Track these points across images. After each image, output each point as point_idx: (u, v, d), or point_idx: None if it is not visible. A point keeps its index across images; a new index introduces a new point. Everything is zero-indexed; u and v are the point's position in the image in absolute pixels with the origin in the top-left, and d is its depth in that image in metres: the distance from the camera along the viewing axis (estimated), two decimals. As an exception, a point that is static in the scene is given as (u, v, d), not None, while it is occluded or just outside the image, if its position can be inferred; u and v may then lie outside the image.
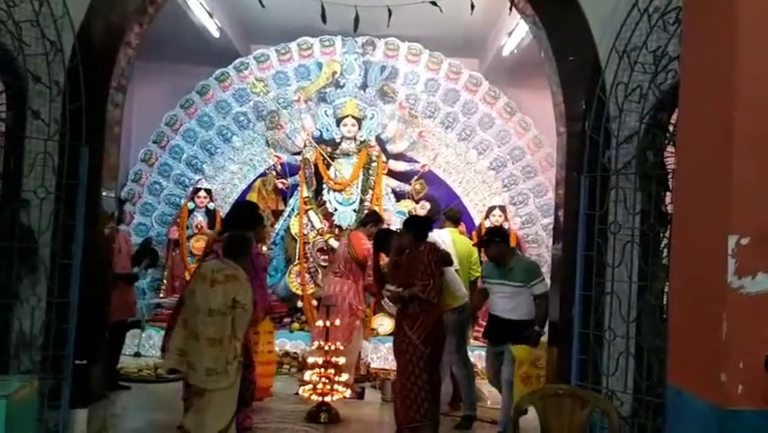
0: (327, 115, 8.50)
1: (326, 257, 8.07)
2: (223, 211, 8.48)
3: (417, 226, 5.37)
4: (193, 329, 4.23)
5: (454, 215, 7.07)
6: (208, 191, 8.47)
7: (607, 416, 3.35)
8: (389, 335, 7.69)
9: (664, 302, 4.31)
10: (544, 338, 5.14)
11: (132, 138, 8.92)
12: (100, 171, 4.97)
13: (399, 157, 8.53)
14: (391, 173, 8.47)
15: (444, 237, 6.44)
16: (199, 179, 8.61)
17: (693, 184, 3.06)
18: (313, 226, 8.27)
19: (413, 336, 5.00)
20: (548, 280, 5.48)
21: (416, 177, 8.44)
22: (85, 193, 4.61)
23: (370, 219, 6.96)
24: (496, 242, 5.45)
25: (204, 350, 4.17)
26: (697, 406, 2.81)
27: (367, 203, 8.28)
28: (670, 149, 4.34)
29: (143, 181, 8.73)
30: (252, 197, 8.39)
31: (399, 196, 8.49)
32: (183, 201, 8.58)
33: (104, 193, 5.04)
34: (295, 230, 8.30)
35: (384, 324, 7.89)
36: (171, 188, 8.73)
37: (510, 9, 5.20)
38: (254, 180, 8.64)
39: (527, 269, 5.37)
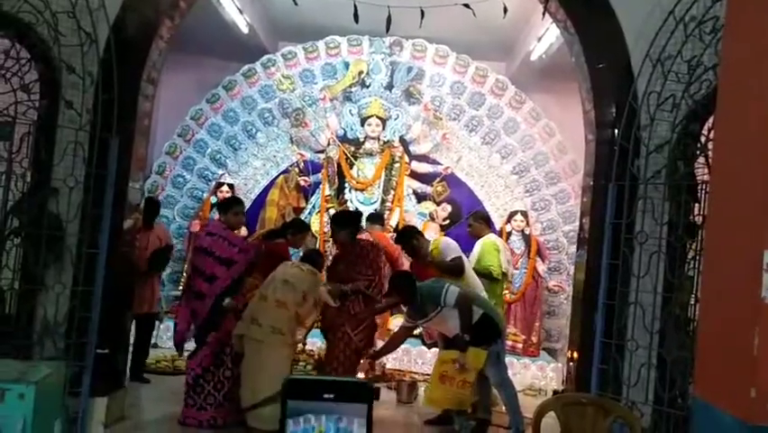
0: (352, 115, 8.51)
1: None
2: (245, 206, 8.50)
3: (352, 222, 5.50)
4: (264, 292, 4.89)
5: (486, 215, 7.08)
6: (231, 186, 8.50)
7: (629, 427, 3.33)
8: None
9: (689, 314, 4.27)
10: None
11: (157, 130, 8.98)
12: (128, 163, 5.01)
13: (422, 158, 8.52)
14: (413, 174, 8.46)
15: (500, 244, 6.53)
16: (222, 174, 8.65)
17: (728, 196, 3.03)
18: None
19: (354, 336, 5.26)
20: (568, 288, 5.43)
21: (438, 179, 8.43)
22: (113, 184, 4.65)
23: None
24: (397, 286, 5.34)
25: (270, 309, 4.77)
26: (724, 420, 2.78)
27: (388, 203, 8.28)
28: (700, 160, 4.31)
29: (167, 174, 8.78)
30: (274, 193, 8.41)
31: (421, 197, 8.48)
32: (205, 195, 8.63)
33: (130, 184, 5.08)
34: (316, 228, 8.31)
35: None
36: (194, 181, 8.78)
37: (543, 13, 5.17)
38: (277, 177, 8.66)
39: (428, 293, 5.21)
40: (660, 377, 4.18)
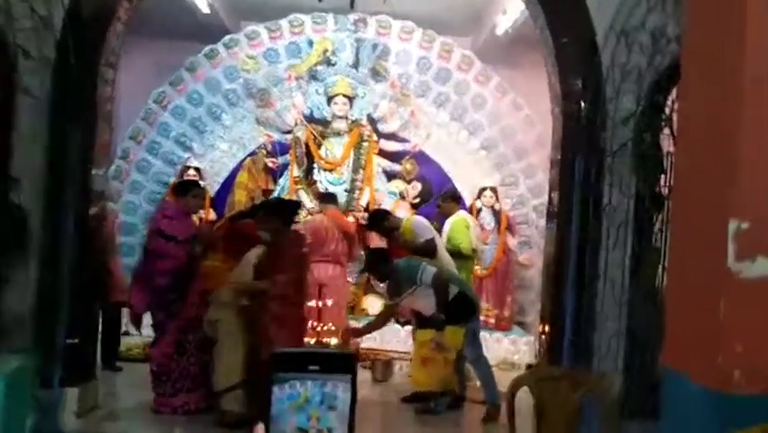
0: (318, 94, 8.42)
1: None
2: (212, 190, 8.40)
3: (287, 211, 5.23)
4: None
5: (456, 194, 7.05)
6: (197, 170, 8.38)
7: (601, 396, 3.38)
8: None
9: (657, 285, 4.34)
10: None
11: (119, 115, 8.78)
12: (91, 149, 4.90)
13: (391, 137, 8.48)
14: (382, 153, 8.42)
15: (470, 220, 6.52)
16: (188, 158, 8.51)
17: (692, 167, 3.06)
18: (303, 206, 8.23)
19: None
20: (539, 262, 5.49)
21: (407, 157, 8.41)
22: (76, 171, 4.55)
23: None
24: (373, 263, 5.36)
25: None
26: (691, 388, 2.83)
27: (358, 183, 8.25)
28: (665, 131, 4.35)
29: (131, 159, 8.61)
30: (242, 176, 8.31)
31: (391, 176, 8.46)
32: (172, 180, 8.49)
33: (94, 171, 4.98)
34: (285, 209, 8.24)
35: (374, 305, 7.90)
36: (160, 165, 8.63)
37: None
38: (244, 159, 8.55)
39: (405, 271, 5.22)
40: (629, 347, 4.25)
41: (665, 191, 4.27)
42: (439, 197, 7.12)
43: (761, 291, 2.60)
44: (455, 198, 7.00)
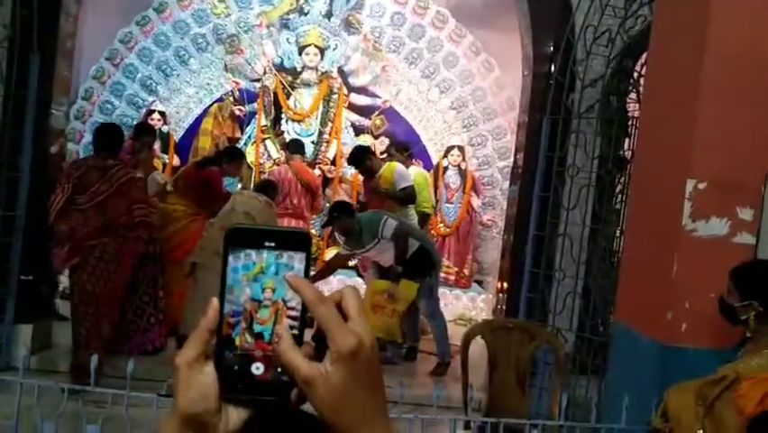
0: (289, 43, 8.27)
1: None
2: (177, 135, 8.27)
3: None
4: (224, 224, 4.65)
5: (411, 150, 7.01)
6: (162, 114, 8.21)
7: (553, 350, 3.46)
8: (342, 267, 7.77)
9: (614, 246, 4.44)
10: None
11: (82, 53, 8.52)
12: (50, 85, 4.77)
13: (361, 91, 8.40)
14: (352, 107, 8.35)
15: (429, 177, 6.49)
16: (153, 101, 8.33)
17: (656, 129, 3.11)
18: (269, 156, 8.15)
19: None
20: (501, 223, 5.55)
21: (376, 112, 8.35)
22: (34, 104, 4.42)
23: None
24: (336, 217, 5.35)
25: None
26: (641, 343, 2.93)
27: (326, 135, 8.18)
28: (632, 95, 4.40)
29: (94, 100, 8.40)
30: (208, 122, 8.18)
31: (359, 130, 8.40)
32: (136, 123, 8.31)
33: (53, 108, 4.84)
34: (251, 159, 8.16)
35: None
36: (124, 108, 8.43)
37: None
38: (210, 105, 8.40)
39: (367, 224, 5.27)
40: (584, 305, 4.35)
41: (628, 154, 4.33)
42: (395, 148, 7.07)
43: (712, 250, 2.69)
44: (409, 153, 7.00)
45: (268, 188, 5.49)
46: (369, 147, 6.57)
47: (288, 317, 0.72)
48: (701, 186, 2.69)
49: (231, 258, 0.72)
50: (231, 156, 5.79)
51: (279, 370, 0.70)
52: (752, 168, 2.74)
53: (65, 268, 4.71)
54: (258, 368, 0.71)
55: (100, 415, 2.60)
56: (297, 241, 0.73)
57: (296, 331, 0.72)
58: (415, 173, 6.61)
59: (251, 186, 7.79)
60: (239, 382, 0.71)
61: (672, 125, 2.92)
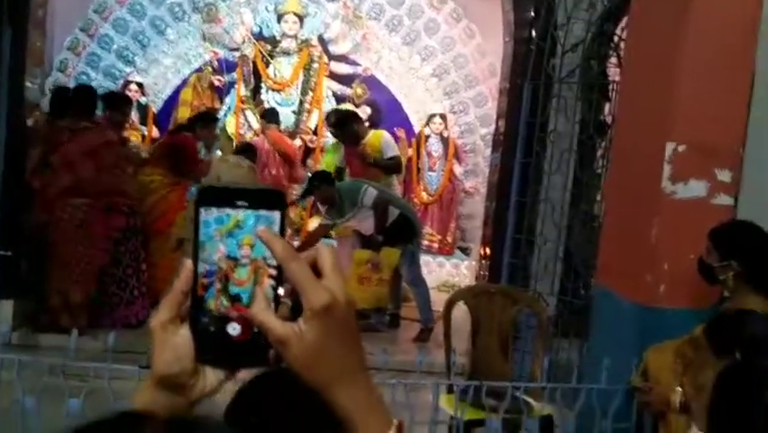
0: (268, 11, 8.14)
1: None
2: (156, 106, 8.15)
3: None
4: None
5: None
6: (140, 85, 8.09)
7: (535, 315, 3.50)
8: (325, 237, 7.76)
9: (596, 211, 4.46)
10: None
11: (55, 24, 8.34)
12: (23, 57, 4.67)
13: (341, 59, 8.31)
14: (332, 75, 8.27)
15: None
16: (130, 72, 8.19)
17: (636, 93, 3.11)
18: (250, 126, 8.07)
19: None
20: (483, 190, 5.54)
21: (357, 80, 8.28)
22: (7, 77, 4.33)
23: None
24: (317, 187, 5.31)
25: None
26: (622, 305, 2.96)
27: (306, 105, 8.11)
28: (612, 60, 4.38)
29: (70, 72, 8.24)
30: (187, 93, 8.06)
31: (340, 99, 8.32)
32: (105, 93, 8.16)
33: (27, 81, 4.75)
34: (231, 129, 8.08)
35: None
36: (100, 80, 8.27)
37: None
38: (189, 76, 8.28)
39: (347, 193, 5.25)
40: (566, 270, 4.39)
41: (609, 119, 4.33)
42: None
43: (690, 212, 2.71)
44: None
45: (248, 150, 5.46)
46: (355, 112, 6.49)
47: (270, 276, 0.70)
48: (681, 149, 2.70)
49: (203, 210, 0.69)
50: (204, 121, 5.72)
51: (257, 330, 0.69)
52: (730, 130, 2.75)
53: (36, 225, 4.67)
54: (234, 329, 0.69)
55: (83, 389, 2.60)
56: (271, 199, 0.70)
57: (273, 292, 0.70)
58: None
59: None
60: (215, 344, 0.69)
61: (652, 89, 2.92)
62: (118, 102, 5.31)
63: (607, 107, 4.37)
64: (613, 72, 4.42)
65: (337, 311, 0.67)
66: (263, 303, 0.68)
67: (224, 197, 0.69)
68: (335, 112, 6.29)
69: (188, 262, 0.70)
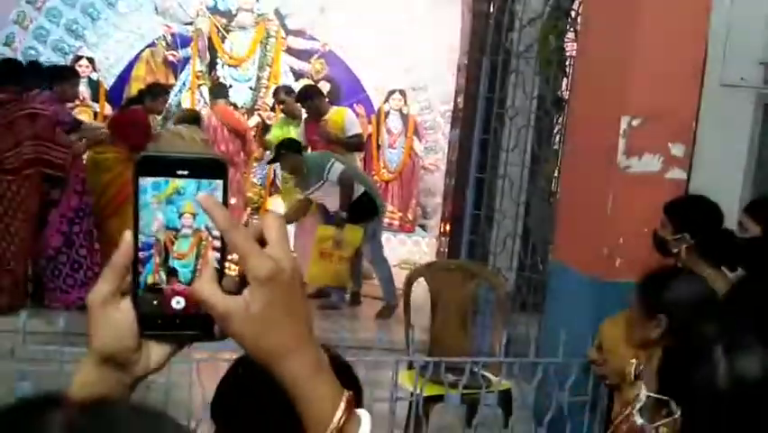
0: (223, -16, 7.96)
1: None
2: (107, 83, 7.93)
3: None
4: None
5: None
6: (91, 60, 7.84)
7: (493, 289, 3.52)
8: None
9: (553, 186, 4.50)
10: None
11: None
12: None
13: (299, 34, 8.18)
14: (290, 51, 8.14)
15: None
16: (80, 47, 7.94)
17: (592, 67, 3.12)
18: (206, 102, 7.91)
19: None
20: (443, 167, 5.50)
21: (316, 56, 8.16)
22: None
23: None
24: (284, 154, 5.23)
25: None
26: (578, 278, 2.99)
27: (264, 81, 7.98)
28: (570, 34, 4.39)
29: (16, 46, 7.94)
30: (140, 68, 7.86)
31: (298, 75, 8.20)
32: (49, 67, 7.90)
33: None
34: (186, 105, 7.91)
35: (280, 205, 7.84)
36: (49, 54, 7.99)
37: None
38: (142, 51, 8.06)
39: (314, 165, 5.19)
40: (524, 245, 4.42)
41: (567, 94, 4.35)
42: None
43: (645, 186, 2.75)
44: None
45: (195, 118, 5.36)
46: (318, 87, 6.40)
47: (214, 249, 0.66)
48: (635, 123, 2.72)
49: (141, 182, 0.65)
50: (153, 94, 5.59)
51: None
52: (683, 105, 2.78)
53: None
54: (179, 302, 0.66)
55: (33, 373, 2.53)
56: (213, 168, 0.66)
57: (219, 265, 0.66)
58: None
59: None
60: (159, 318, 0.66)
61: (607, 64, 2.94)
62: (65, 74, 5.14)
63: (564, 83, 4.39)
64: (570, 47, 4.43)
65: (282, 280, 0.64)
66: (206, 277, 0.65)
67: (164, 166, 0.65)
68: (305, 87, 6.15)
69: (128, 234, 0.66)
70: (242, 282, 0.65)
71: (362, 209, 5.19)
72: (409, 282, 3.46)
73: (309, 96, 5.80)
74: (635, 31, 2.82)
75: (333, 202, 5.19)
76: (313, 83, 8.02)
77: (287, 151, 5.24)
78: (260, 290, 0.63)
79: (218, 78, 7.92)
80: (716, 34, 3.23)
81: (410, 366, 3.11)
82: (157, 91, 5.74)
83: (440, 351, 3.09)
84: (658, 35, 2.82)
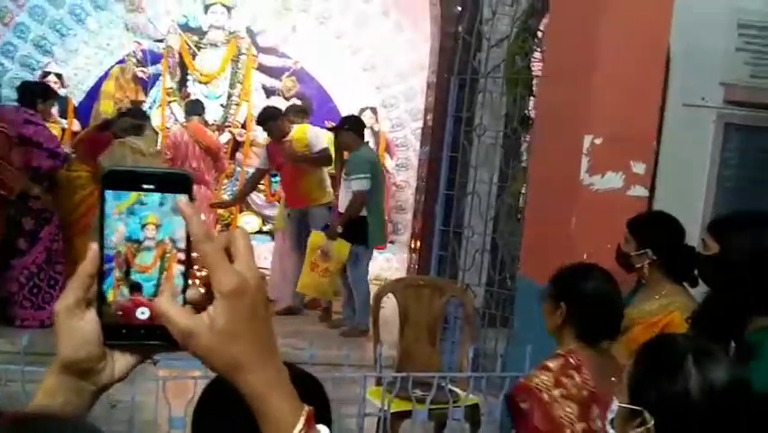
0: (194, 1, 7.96)
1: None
2: (75, 99, 7.86)
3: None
4: None
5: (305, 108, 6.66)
6: (59, 76, 7.77)
7: (462, 305, 3.55)
8: (257, 232, 7.66)
9: (520, 203, 4.56)
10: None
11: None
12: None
13: (270, 51, 8.21)
14: (261, 68, 8.16)
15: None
16: (48, 63, 7.87)
17: (556, 86, 3.19)
18: (176, 120, 7.88)
19: None
20: (414, 184, 5.52)
21: (287, 73, 8.19)
22: None
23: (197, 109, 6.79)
24: (347, 129, 5.19)
25: None
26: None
27: (235, 98, 7.98)
28: (537, 55, 4.48)
29: (-17, 61, 7.86)
30: (109, 85, 7.81)
31: (270, 92, 8.22)
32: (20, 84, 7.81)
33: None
34: (156, 122, 7.87)
35: (251, 221, 7.82)
36: (16, 70, 7.91)
37: None
38: (111, 67, 8.01)
39: (357, 162, 5.15)
40: (492, 261, 4.47)
41: (533, 113, 4.43)
42: (293, 113, 6.36)
43: (607, 203, 2.81)
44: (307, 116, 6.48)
45: (140, 127, 5.36)
46: (280, 110, 6.35)
47: (179, 261, 0.66)
48: (597, 141, 2.79)
49: (105, 195, 0.65)
50: (134, 116, 5.57)
51: None
52: (644, 124, 2.86)
53: None
54: (143, 313, 0.67)
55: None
56: (178, 183, 0.67)
57: (183, 278, 0.66)
58: (325, 135, 6.45)
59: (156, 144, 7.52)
60: (123, 328, 0.67)
61: (571, 83, 3.00)
62: (49, 92, 5.15)
63: (531, 102, 4.46)
64: (537, 67, 4.51)
65: (247, 295, 0.65)
66: (167, 295, 0.66)
67: (130, 179, 0.66)
68: (261, 112, 6.15)
69: (94, 245, 0.67)
70: (207, 293, 0.66)
71: (355, 230, 5.11)
72: (378, 298, 3.47)
73: (265, 119, 5.73)
74: (597, 51, 2.90)
75: (344, 202, 5.14)
76: (284, 100, 8.06)
77: (350, 126, 5.18)
78: (225, 304, 0.64)
79: (189, 94, 7.90)
80: (677, 55, 3.33)
81: (378, 382, 3.12)
82: (138, 115, 5.71)
83: (409, 366, 3.10)
84: (619, 55, 2.89)
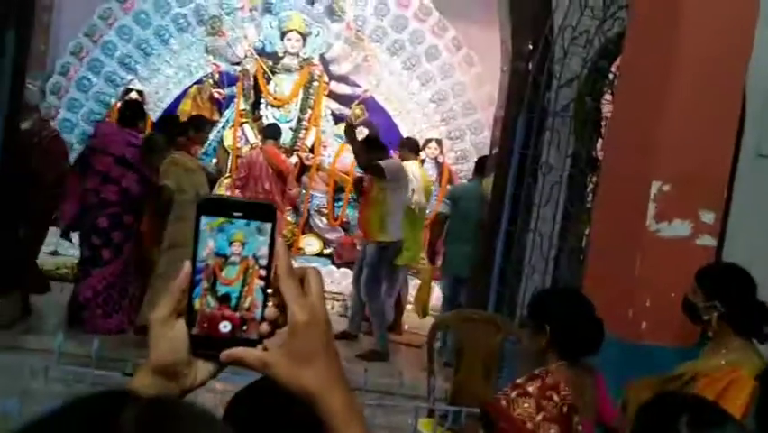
0: (272, 27, 8.24)
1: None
2: (154, 115, 8.20)
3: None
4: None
5: (414, 143, 6.76)
6: (140, 93, 8.14)
7: (519, 342, 3.53)
8: (317, 255, 7.78)
9: (583, 244, 4.51)
10: None
11: (60, 28, 8.40)
12: (25, 58, 4.71)
13: (342, 79, 8.40)
14: (332, 95, 8.35)
15: (414, 171, 6.18)
16: (131, 80, 8.26)
17: (625, 131, 3.18)
18: (247, 140, 8.13)
19: None
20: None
21: (356, 101, 8.36)
22: (9, 79, 4.38)
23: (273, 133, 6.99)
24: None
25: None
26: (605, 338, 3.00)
27: (305, 122, 8.18)
28: (607, 96, 4.46)
29: (71, 75, 8.30)
30: (187, 104, 8.14)
31: (338, 119, 8.41)
32: (113, 101, 8.23)
33: (28, 82, 4.80)
34: (228, 142, 8.14)
35: (312, 244, 7.95)
36: (101, 85, 8.34)
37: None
38: (189, 87, 8.35)
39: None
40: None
41: (601, 155, 4.40)
42: (407, 148, 6.66)
43: (673, 251, 2.77)
44: (413, 147, 6.66)
45: (172, 123, 5.60)
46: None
47: (260, 277, 0.74)
48: (666, 188, 2.76)
49: (200, 220, 0.74)
50: (197, 126, 5.64)
51: (245, 328, 0.74)
52: (714, 172, 2.82)
53: None
54: (225, 326, 0.74)
55: (64, 395, 2.60)
56: (264, 212, 0.75)
57: (263, 293, 0.74)
58: (424, 178, 6.48)
59: (227, 169, 7.78)
60: (207, 339, 0.74)
61: (640, 128, 2.99)
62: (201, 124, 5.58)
63: (599, 143, 4.44)
64: (607, 109, 4.49)
65: (319, 326, 0.74)
66: (239, 349, 0.75)
67: (222, 207, 0.75)
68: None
69: (187, 263, 0.75)
70: (282, 315, 0.74)
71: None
72: (434, 330, 3.49)
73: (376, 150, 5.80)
74: (669, 95, 2.88)
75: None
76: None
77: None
78: (299, 334, 0.73)
79: (261, 117, 8.14)
80: (753, 104, 3.27)
81: (431, 414, 3.13)
82: (201, 123, 5.88)
83: (463, 400, 3.10)
84: (692, 101, 2.87)
